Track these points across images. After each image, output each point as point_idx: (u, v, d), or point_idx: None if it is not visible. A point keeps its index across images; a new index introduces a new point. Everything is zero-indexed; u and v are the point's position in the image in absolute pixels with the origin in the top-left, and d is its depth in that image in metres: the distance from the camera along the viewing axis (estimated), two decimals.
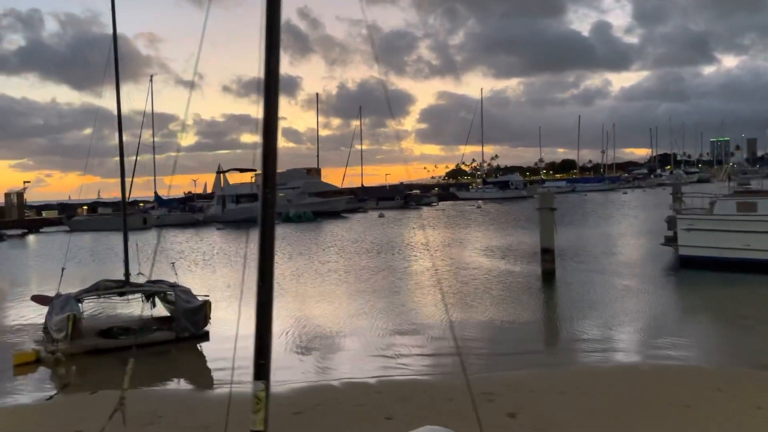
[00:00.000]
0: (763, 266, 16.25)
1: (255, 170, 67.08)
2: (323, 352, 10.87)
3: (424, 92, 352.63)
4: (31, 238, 47.53)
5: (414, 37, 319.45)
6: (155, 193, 60.08)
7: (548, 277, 17.52)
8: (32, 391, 9.35)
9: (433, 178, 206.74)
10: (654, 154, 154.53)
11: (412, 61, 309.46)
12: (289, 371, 9.47)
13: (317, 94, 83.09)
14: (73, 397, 8.69)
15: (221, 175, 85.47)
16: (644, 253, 22.43)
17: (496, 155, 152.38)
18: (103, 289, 11.97)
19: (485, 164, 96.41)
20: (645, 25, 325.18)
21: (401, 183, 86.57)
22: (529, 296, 15.44)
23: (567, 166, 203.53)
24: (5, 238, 43.92)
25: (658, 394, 7.51)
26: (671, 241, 19.34)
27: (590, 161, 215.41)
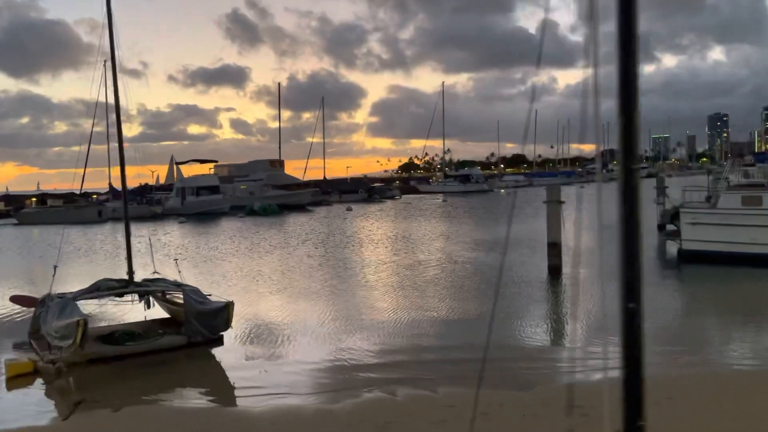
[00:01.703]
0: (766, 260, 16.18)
1: (216, 161, 65.16)
2: (367, 359, 9.86)
3: (375, 86, 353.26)
4: None
5: (364, 30, 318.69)
6: (110, 184, 57.19)
7: (555, 272, 17.02)
8: (37, 408, 8.11)
9: (385, 171, 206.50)
10: (605, 149, 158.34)
11: (363, 54, 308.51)
12: (338, 381, 8.54)
13: (279, 84, 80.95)
14: (94, 416, 7.51)
15: (175, 166, 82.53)
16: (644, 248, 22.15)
17: (449, 149, 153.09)
18: (105, 289, 10.67)
19: (445, 158, 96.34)
20: (589, 24, 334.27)
21: (365, 176, 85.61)
22: (541, 292, 14.90)
23: (518, 160, 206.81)
24: None
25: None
26: (673, 235, 19.18)
27: (539, 156, 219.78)
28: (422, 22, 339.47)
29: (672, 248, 19.85)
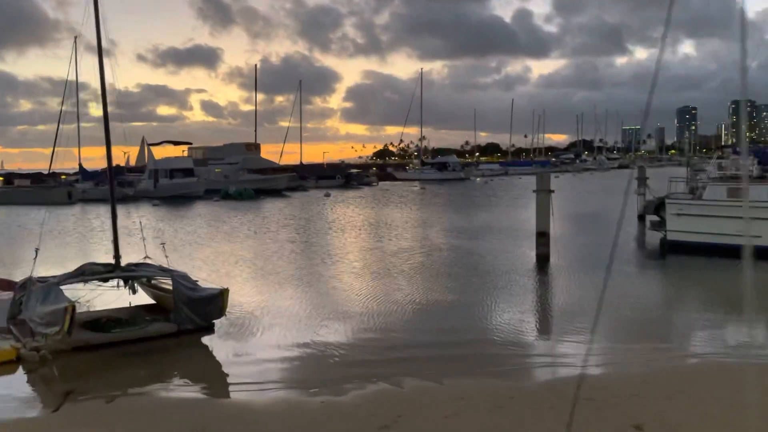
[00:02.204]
0: (755, 253, 16.34)
1: (190, 143, 63.87)
2: (374, 349, 9.56)
3: (350, 71, 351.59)
4: None
5: (339, 14, 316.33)
6: (80, 165, 55.68)
7: (543, 261, 17.01)
8: (24, 399, 7.68)
9: (360, 157, 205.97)
10: (578, 139, 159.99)
11: (337, 39, 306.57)
12: (339, 372, 8.27)
13: (255, 66, 79.24)
14: (86, 408, 7.13)
15: (146, 147, 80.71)
16: (626, 238, 22.25)
17: (424, 137, 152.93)
18: (89, 274, 10.20)
19: (421, 145, 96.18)
20: (564, 15, 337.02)
21: (342, 162, 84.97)
22: (531, 281, 14.85)
23: (491, 149, 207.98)
24: None
25: None
26: (656, 225, 19.32)
27: (513, 145, 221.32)
28: (398, 7, 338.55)
29: (654, 239, 20.01)
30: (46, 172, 60.75)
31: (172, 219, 33.55)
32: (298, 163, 77.31)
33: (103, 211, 39.40)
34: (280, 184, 58.19)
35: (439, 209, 36.58)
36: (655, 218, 20.20)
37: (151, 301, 11.94)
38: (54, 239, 24.70)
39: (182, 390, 7.95)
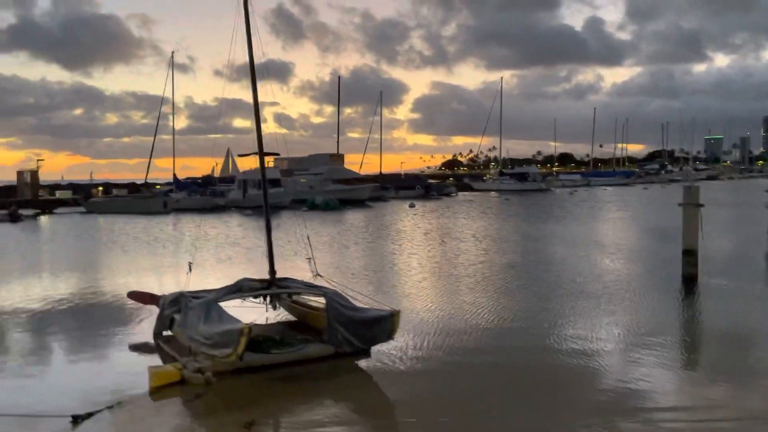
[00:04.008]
0: None
1: (277, 154, 64.76)
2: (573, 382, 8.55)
3: (417, 82, 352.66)
4: (44, 219, 44.87)
5: (406, 26, 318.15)
6: (174, 175, 57.48)
7: (689, 281, 15.43)
8: (200, 429, 7.12)
9: (428, 168, 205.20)
10: (663, 149, 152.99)
11: (404, 51, 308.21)
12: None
13: (339, 77, 79.84)
14: None
15: (230, 158, 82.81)
16: None
17: (494, 147, 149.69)
18: (247, 290, 9.69)
19: (500, 155, 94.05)
20: (637, 21, 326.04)
21: (422, 172, 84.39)
22: (678, 302, 13.38)
23: (565, 159, 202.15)
24: (23, 219, 41.25)
25: None
26: None
27: (587, 155, 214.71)
28: (465, 18, 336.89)
29: None
30: (140, 183, 63.20)
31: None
32: (374, 173, 77.28)
33: (199, 220, 40.17)
34: (364, 195, 58.12)
35: (535, 221, 35.01)
36: None
37: (291, 318, 11.39)
38: (165, 248, 24.98)
39: (359, 427, 7.19)
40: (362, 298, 10.21)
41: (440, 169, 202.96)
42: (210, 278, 15.60)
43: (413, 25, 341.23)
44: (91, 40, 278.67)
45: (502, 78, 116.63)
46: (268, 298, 10.73)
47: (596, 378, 8.47)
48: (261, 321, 10.91)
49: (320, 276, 10.41)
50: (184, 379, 8.32)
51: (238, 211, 48.33)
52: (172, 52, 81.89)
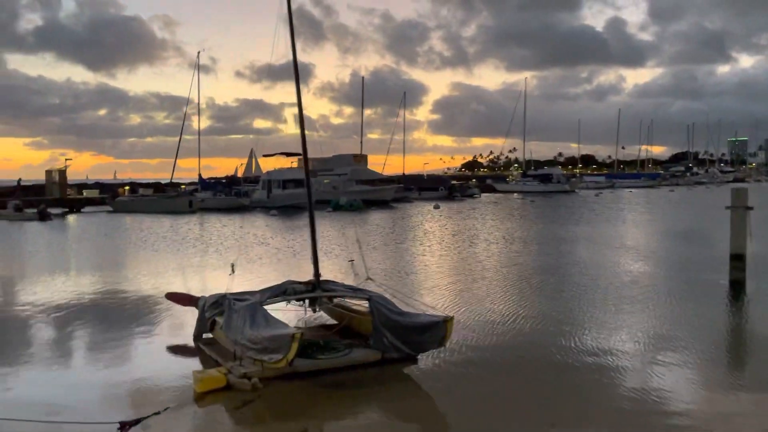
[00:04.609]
0: None
1: (300, 154, 64.70)
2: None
3: (436, 83, 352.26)
4: (72, 218, 45.34)
5: (426, 27, 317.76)
6: (199, 175, 57.79)
7: (737, 287, 14.88)
8: None
9: (448, 169, 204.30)
10: (689, 151, 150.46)
11: (424, 52, 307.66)
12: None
13: (362, 78, 79.40)
14: None
15: (253, 159, 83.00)
16: None
17: (515, 148, 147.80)
18: (292, 293, 9.45)
19: (524, 156, 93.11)
20: (660, 22, 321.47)
21: (445, 173, 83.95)
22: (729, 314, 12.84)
23: (587, 161, 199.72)
24: (52, 218, 41.67)
25: None
26: None
27: (609, 157, 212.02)
28: (485, 19, 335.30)
29: None
30: (165, 182, 63.65)
31: (297, 229, 33.42)
32: (396, 174, 77.00)
33: (225, 220, 40.25)
34: (388, 196, 57.89)
35: (565, 222, 34.40)
36: None
37: (329, 321, 11.14)
38: (194, 246, 24.92)
39: None
40: (414, 302, 9.89)
41: (460, 170, 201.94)
42: (240, 278, 15.41)
43: (433, 26, 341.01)
44: (116, 42, 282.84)
45: (525, 79, 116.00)
46: (306, 301, 10.51)
47: (666, 402, 8.05)
48: (299, 324, 10.70)
49: (371, 279, 10.12)
50: (230, 384, 8.09)
51: (263, 212, 48.38)
52: (198, 52, 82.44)
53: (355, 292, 9.92)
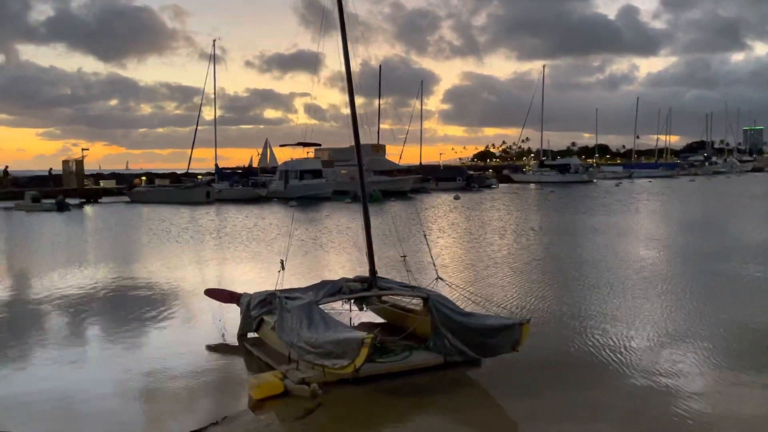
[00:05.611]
0: None
1: (319, 144, 63.95)
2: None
3: (447, 73, 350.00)
4: (89, 208, 45.03)
5: (436, 16, 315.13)
6: (216, 165, 57.30)
7: None
8: None
9: (460, 159, 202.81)
10: (707, 140, 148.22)
11: (434, 41, 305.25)
12: None
13: (380, 66, 78.00)
14: None
15: (268, 149, 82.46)
16: None
17: (527, 138, 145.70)
18: (348, 291, 8.84)
19: (541, 146, 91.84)
20: (673, 10, 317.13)
21: (462, 163, 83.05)
22: None
23: (600, 151, 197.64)
24: (70, 208, 41.36)
25: None
26: None
27: (624, 146, 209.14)
28: (496, 8, 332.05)
29: None
30: (181, 173, 63.31)
31: (320, 221, 32.86)
32: (412, 164, 76.28)
33: (244, 211, 39.76)
34: (407, 186, 57.23)
35: (594, 213, 33.55)
36: None
37: (377, 320, 10.53)
38: (220, 238, 24.42)
39: None
40: (485, 303, 9.24)
41: (472, 160, 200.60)
42: (265, 272, 14.87)
43: (443, 15, 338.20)
44: (126, 32, 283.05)
45: (543, 66, 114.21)
46: (363, 301, 9.93)
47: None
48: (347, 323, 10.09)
49: (441, 279, 9.48)
50: (288, 390, 7.51)
51: (280, 202, 47.87)
52: (214, 41, 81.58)
53: (412, 290, 9.29)
